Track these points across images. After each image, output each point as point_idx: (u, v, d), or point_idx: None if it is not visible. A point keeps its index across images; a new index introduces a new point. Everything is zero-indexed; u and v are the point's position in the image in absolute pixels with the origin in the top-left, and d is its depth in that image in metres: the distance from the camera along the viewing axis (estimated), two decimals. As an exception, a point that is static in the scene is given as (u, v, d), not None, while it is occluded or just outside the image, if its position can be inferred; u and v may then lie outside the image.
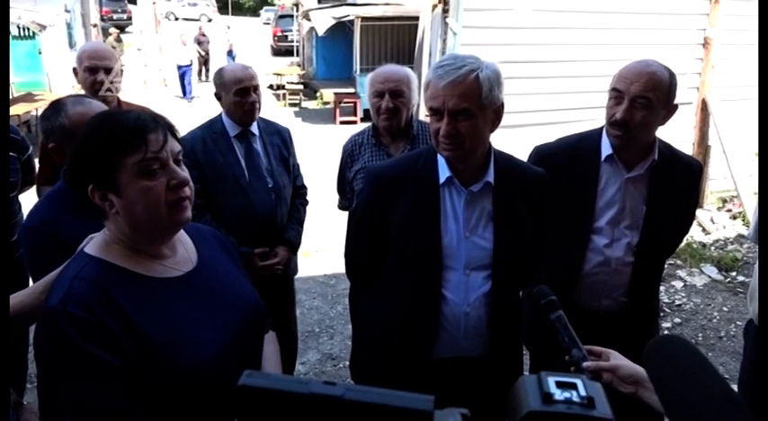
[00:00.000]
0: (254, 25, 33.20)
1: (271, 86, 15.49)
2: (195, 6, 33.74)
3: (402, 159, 1.90)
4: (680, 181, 2.03)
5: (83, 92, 2.67)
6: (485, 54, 1.62)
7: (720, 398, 0.73)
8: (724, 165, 5.76)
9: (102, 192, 1.14)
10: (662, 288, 4.30)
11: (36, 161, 2.63)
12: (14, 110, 8.53)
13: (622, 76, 1.89)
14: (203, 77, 17.17)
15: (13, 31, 11.60)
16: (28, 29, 12.09)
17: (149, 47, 16.53)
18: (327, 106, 13.71)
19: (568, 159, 2.04)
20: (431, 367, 1.67)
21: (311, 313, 4.24)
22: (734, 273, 4.82)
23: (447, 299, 1.64)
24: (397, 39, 14.37)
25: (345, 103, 12.58)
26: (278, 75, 15.61)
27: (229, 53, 18.11)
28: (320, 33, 13.49)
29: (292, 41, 20.55)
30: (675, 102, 1.90)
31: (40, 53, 12.67)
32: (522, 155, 1.94)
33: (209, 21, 30.08)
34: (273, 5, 32.16)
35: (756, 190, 4.66)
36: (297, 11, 18.47)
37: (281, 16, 22.79)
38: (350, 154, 2.61)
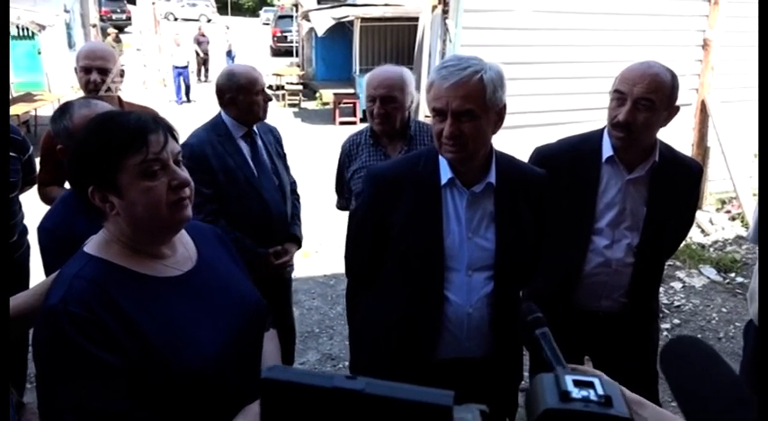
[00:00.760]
0: (253, 26, 33.17)
1: (270, 87, 15.46)
2: (194, 7, 33.75)
3: (401, 161, 1.89)
4: (680, 183, 2.03)
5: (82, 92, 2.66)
6: (485, 55, 1.61)
7: (734, 399, 0.73)
8: (723, 167, 5.75)
9: (102, 194, 1.13)
10: (661, 289, 4.29)
11: (37, 161, 2.63)
12: (14, 110, 8.54)
13: (625, 78, 1.88)
14: (202, 78, 17.16)
15: (13, 31, 11.60)
16: (27, 29, 12.09)
17: (148, 47, 16.52)
18: (327, 107, 13.71)
19: (569, 160, 2.04)
20: (432, 368, 1.67)
21: (311, 313, 4.23)
22: (733, 275, 4.82)
23: (450, 300, 1.63)
24: (396, 39, 14.38)
25: (345, 103, 12.57)
26: (277, 75, 15.58)
27: (229, 54, 18.08)
28: (320, 34, 13.46)
29: (292, 42, 20.51)
30: (676, 103, 1.91)
31: (39, 53, 12.69)
32: (523, 156, 1.94)
33: (209, 21, 30.03)
34: (273, 6, 32.20)
35: (755, 191, 4.68)
36: (296, 11, 18.44)
37: (281, 17, 22.78)
38: (348, 154, 2.61)
